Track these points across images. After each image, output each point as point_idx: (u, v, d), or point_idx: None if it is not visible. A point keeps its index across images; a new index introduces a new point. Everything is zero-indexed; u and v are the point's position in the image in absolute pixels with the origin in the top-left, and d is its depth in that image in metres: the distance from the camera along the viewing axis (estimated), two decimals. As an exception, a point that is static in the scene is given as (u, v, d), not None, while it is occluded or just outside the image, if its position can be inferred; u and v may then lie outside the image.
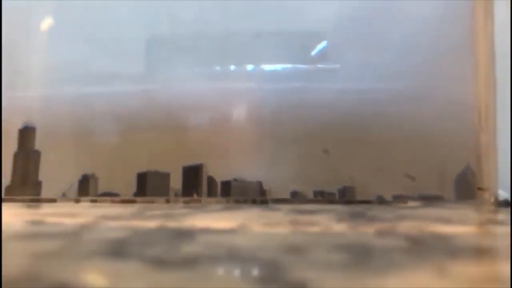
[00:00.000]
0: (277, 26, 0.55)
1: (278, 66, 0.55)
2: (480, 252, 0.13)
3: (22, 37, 0.56)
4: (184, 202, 0.46)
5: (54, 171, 0.56)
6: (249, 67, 0.56)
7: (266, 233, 0.17)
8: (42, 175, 0.56)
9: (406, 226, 0.17)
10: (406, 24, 0.41)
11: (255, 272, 0.11)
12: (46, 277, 0.11)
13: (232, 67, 0.56)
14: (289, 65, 0.56)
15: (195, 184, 0.54)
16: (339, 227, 0.17)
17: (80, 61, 0.56)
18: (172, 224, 0.20)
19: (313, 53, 0.55)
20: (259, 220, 0.21)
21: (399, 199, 0.29)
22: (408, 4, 0.39)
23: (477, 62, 0.28)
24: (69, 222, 0.21)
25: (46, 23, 0.53)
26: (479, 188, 0.28)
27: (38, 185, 0.57)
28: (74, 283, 0.10)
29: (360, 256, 0.13)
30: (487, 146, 0.27)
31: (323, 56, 0.54)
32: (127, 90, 0.57)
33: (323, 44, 0.54)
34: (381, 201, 0.30)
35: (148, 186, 0.55)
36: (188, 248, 0.15)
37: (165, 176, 0.55)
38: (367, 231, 0.16)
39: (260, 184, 0.52)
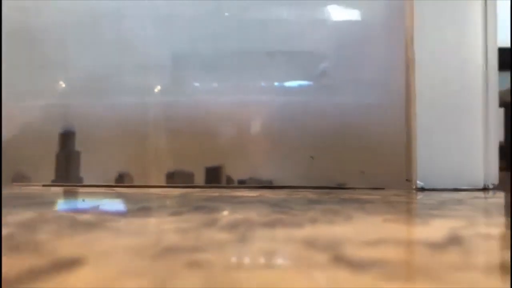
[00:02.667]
0: (286, 47, 0.76)
1: (287, 82, 0.77)
2: (368, 202, 0.37)
3: (66, 51, 0.77)
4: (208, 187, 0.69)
5: (94, 169, 0.77)
6: (262, 82, 0.78)
7: (274, 197, 0.41)
8: (83, 173, 0.78)
9: (345, 196, 0.42)
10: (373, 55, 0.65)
11: (271, 200, 0.36)
12: (189, 204, 0.35)
13: (247, 83, 0.78)
14: (297, 82, 0.77)
15: (216, 182, 0.75)
16: (311, 195, 0.42)
17: (115, 74, 0.78)
18: (224, 194, 0.45)
19: (317, 71, 0.77)
20: (270, 193, 0.45)
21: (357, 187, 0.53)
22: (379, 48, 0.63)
23: (408, 95, 0.52)
24: (171, 193, 0.46)
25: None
26: (407, 180, 0.52)
27: (79, 180, 0.78)
28: (208, 206, 0.35)
29: (314, 203, 0.37)
30: (412, 152, 0.52)
31: (324, 74, 0.76)
32: (156, 101, 0.78)
33: (325, 63, 0.76)
34: (346, 187, 0.55)
35: (175, 184, 0.77)
36: (239, 200, 0.39)
37: (190, 175, 0.76)
38: (324, 196, 0.41)
39: (270, 182, 0.73)
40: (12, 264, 0.15)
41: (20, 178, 0.76)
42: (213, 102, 0.76)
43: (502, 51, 1.68)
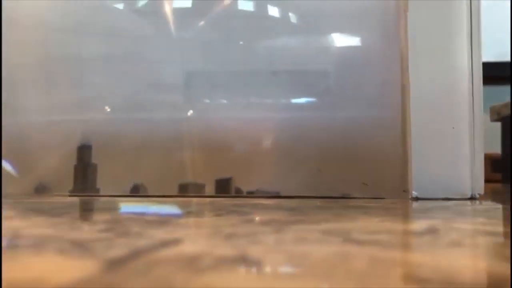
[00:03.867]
0: (290, 66, 0.86)
1: (292, 99, 0.86)
2: (370, 208, 0.46)
3: (83, 70, 0.86)
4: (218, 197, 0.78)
5: (110, 181, 0.86)
6: (268, 100, 0.87)
7: (288, 204, 0.50)
8: (99, 184, 0.87)
9: (349, 204, 0.51)
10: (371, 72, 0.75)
11: (286, 206, 0.45)
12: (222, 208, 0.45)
13: (254, 100, 0.87)
14: (300, 98, 0.87)
15: (226, 194, 0.84)
16: (319, 203, 0.51)
17: (129, 92, 0.87)
18: (247, 202, 0.54)
19: (319, 88, 0.86)
20: (283, 201, 0.54)
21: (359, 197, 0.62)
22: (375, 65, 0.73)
23: (404, 115, 0.62)
24: (195, 201, 0.55)
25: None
26: (404, 191, 0.61)
27: (96, 191, 0.87)
28: (238, 210, 0.44)
29: (324, 208, 0.46)
30: (408, 166, 0.61)
31: (327, 91, 0.85)
32: (169, 117, 0.87)
33: (327, 81, 0.85)
34: (349, 197, 0.64)
35: (188, 194, 0.86)
36: (260, 206, 0.48)
37: (201, 187, 0.85)
38: (332, 204, 0.50)
39: (278, 193, 0.82)
40: (132, 243, 0.24)
41: (42, 188, 0.85)
42: (223, 118, 0.85)
43: (500, 66, 1.77)
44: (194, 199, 0.62)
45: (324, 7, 0.74)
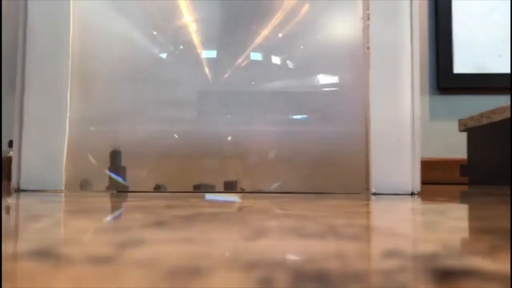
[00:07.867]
0: (287, 88, 1.24)
1: (288, 115, 1.25)
2: (343, 199, 0.86)
3: (114, 88, 1.23)
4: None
5: (136, 182, 1.24)
6: (269, 116, 1.26)
7: (290, 196, 0.89)
8: (128, 183, 1.24)
9: (331, 196, 0.91)
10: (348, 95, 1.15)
11: (291, 197, 0.84)
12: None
13: (257, 116, 1.26)
14: (295, 115, 1.25)
15: (232, 193, 1.22)
16: (310, 196, 0.91)
17: (152, 108, 1.25)
18: (266, 195, 0.93)
19: (311, 106, 1.25)
20: (284, 195, 0.93)
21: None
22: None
23: (367, 134, 1.02)
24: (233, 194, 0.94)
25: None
26: (366, 189, 1.01)
27: (126, 188, 1.25)
28: (266, 198, 0.83)
29: (316, 198, 0.86)
30: (369, 170, 1.01)
31: (317, 108, 1.25)
32: (184, 129, 1.25)
33: (318, 100, 1.24)
34: (331, 192, 1.04)
35: (202, 191, 1.23)
36: (276, 196, 0.87)
37: (212, 187, 1.23)
38: (319, 196, 0.90)
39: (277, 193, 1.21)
40: (235, 207, 0.63)
41: (85, 185, 1.23)
42: (228, 131, 1.24)
43: (475, 77, 2.27)
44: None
45: (312, 58, 1.14)
